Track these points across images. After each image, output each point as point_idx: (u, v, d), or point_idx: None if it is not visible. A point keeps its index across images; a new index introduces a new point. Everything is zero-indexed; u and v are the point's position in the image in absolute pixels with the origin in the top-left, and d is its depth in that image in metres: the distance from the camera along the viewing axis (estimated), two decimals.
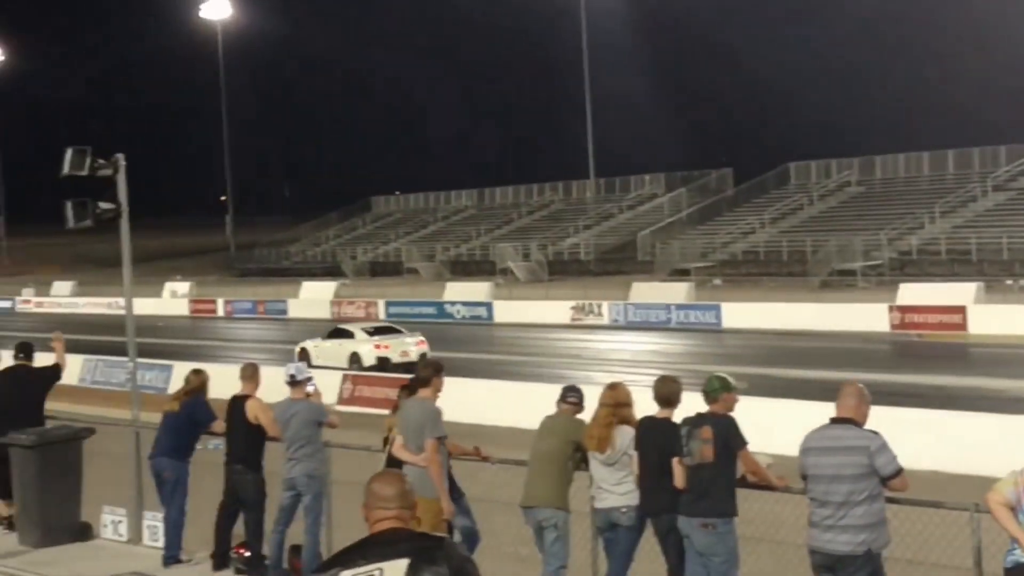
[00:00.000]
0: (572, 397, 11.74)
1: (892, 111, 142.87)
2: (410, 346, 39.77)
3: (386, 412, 13.82)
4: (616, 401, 11.30)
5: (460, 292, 63.67)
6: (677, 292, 56.14)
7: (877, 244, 62.92)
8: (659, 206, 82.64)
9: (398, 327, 43.08)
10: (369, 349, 39.39)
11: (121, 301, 19.48)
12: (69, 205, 15.30)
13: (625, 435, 11.14)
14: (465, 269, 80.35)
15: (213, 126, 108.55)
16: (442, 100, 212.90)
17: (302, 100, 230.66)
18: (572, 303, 55.29)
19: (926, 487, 12.61)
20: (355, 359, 39.03)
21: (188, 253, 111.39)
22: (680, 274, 66.14)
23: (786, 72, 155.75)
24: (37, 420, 15.79)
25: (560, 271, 75.90)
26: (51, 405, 16.47)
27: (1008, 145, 70.00)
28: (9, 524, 15.93)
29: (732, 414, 10.58)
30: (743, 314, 49.61)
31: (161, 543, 14.41)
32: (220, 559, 13.78)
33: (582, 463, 11.50)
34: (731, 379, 10.74)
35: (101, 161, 15.21)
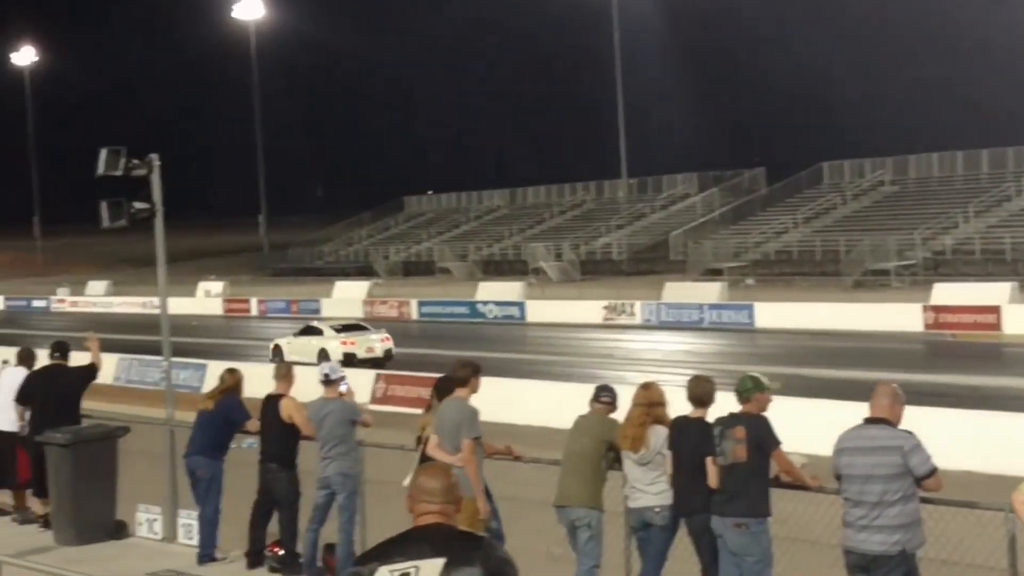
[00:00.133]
0: (605, 397, 11.75)
1: (926, 110, 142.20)
2: (375, 342, 42.11)
3: (419, 411, 13.85)
4: (650, 401, 11.30)
5: (492, 292, 63.63)
6: (710, 292, 56.01)
7: (911, 244, 62.62)
8: (692, 206, 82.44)
9: (365, 325, 45.34)
10: (336, 345, 41.42)
11: (155, 300, 19.60)
12: (104, 205, 15.35)
13: (659, 435, 11.14)
14: (497, 269, 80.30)
15: (247, 126, 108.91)
16: (474, 100, 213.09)
17: (335, 100, 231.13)
18: (605, 303, 55.21)
19: (960, 487, 12.55)
20: (323, 355, 40.22)
21: (222, 253, 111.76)
22: (713, 274, 65.97)
23: (820, 71, 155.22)
24: (73, 419, 15.88)
25: (592, 271, 75.81)
26: (86, 404, 16.57)
27: None
28: (45, 522, 16.04)
29: (765, 414, 10.58)
30: (776, 314, 49.45)
31: (196, 541, 14.48)
32: (254, 557, 13.84)
33: (615, 463, 11.51)
34: (764, 379, 10.73)
35: (136, 161, 15.27)
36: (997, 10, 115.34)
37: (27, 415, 16.01)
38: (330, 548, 13.43)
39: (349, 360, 39.29)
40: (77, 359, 16.83)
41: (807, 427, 17.96)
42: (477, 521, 11.23)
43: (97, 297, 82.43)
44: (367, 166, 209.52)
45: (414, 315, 62.07)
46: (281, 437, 13.60)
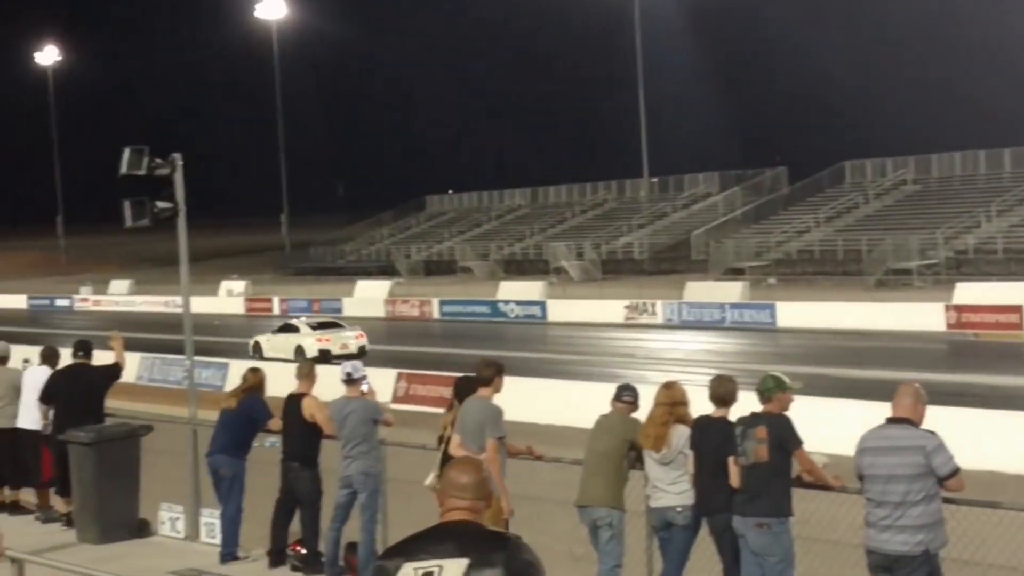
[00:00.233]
0: (627, 396, 11.75)
1: (949, 109, 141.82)
2: (350, 339, 43.83)
3: (441, 410, 13.86)
4: (672, 400, 11.30)
5: (514, 291, 63.67)
6: (731, 291, 55.96)
7: (933, 243, 62.47)
8: (713, 205, 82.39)
9: (340, 322, 47.12)
10: (312, 342, 43.11)
11: (178, 299, 19.65)
12: (127, 204, 15.40)
13: (681, 434, 11.14)
14: (519, 268, 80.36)
15: (269, 126, 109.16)
16: (496, 99, 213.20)
17: (357, 99, 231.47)
18: (626, 302, 55.17)
19: (983, 487, 12.53)
20: (300, 351, 42.07)
21: (243, 252, 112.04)
22: (734, 273, 65.92)
23: (842, 70, 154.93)
24: (96, 418, 15.93)
25: (614, 270, 75.79)
26: (109, 403, 16.62)
27: None
28: (68, 521, 16.10)
29: (787, 414, 10.56)
30: (798, 313, 49.36)
31: (218, 540, 14.51)
32: (276, 556, 13.87)
33: (637, 462, 11.51)
34: (786, 379, 10.71)
35: (158, 160, 15.31)
36: (1020, 10, 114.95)
37: (51, 414, 16.07)
38: (352, 547, 13.45)
39: (324, 356, 40.81)
40: (100, 358, 16.89)
41: (829, 427, 17.97)
42: (501, 520, 11.24)
43: (120, 296, 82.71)
44: (389, 165, 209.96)
45: (435, 314, 62.10)
46: (303, 436, 13.62)
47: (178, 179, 15.41)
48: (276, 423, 14.09)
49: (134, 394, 29.67)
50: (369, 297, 68.49)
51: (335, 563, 13.42)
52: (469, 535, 5.28)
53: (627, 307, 54.57)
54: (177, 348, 28.97)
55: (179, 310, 17.55)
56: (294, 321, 47.58)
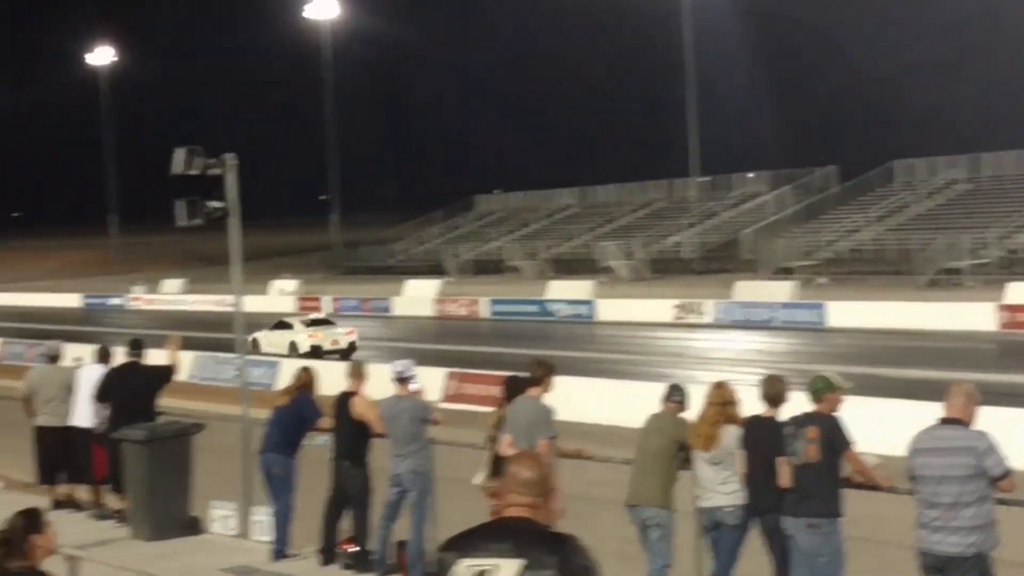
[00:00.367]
0: (676, 396, 11.75)
1: (1001, 107, 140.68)
2: (340, 335, 45.87)
3: (490, 409, 13.90)
4: (723, 400, 11.30)
5: (562, 290, 63.61)
6: (781, 291, 55.70)
7: (984, 242, 62.04)
8: (763, 204, 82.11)
9: (331, 320, 49.16)
10: (304, 338, 45.18)
11: (229, 298, 19.74)
12: (180, 204, 15.51)
13: (731, 434, 11.13)
14: (567, 267, 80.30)
15: (319, 125, 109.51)
16: (546, 98, 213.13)
17: (406, 99, 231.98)
18: (675, 301, 55.03)
19: None
20: (293, 347, 44.58)
21: (294, 251, 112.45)
22: (784, 273, 65.67)
23: (892, 68, 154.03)
24: (149, 416, 16.07)
25: (663, 269, 75.66)
26: (161, 401, 16.74)
27: None
28: (121, 518, 16.24)
29: (837, 414, 10.54)
30: (848, 313, 49.09)
31: (269, 537, 14.60)
32: (327, 554, 13.95)
33: (686, 462, 11.51)
34: (836, 379, 10.69)
35: (211, 160, 15.41)
36: None
37: (105, 412, 16.21)
38: (401, 545, 13.50)
39: (316, 351, 43.24)
40: (154, 357, 17.03)
41: (880, 427, 17.88)
42: (552, 520, 11.25)
43: (172, 295, 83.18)
44: (438, 165, 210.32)
45: (484, 313, 62.14)
46: (353, 435, 13.69)
47: (230, 179, 15.50)
48: (326, 422, 14.15)
49: (186, 392, 29.81)
50: (418, 296, 68.62)
51: (385, 561, 13.49)
52: (527, 534, 5.23)
53: (676, 307, 54.43)
54: (228, 347, 29.10)
55: (230, 309, 17.66)
56: (288, 319, 49.44)
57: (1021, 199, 67.53)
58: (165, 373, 16.43)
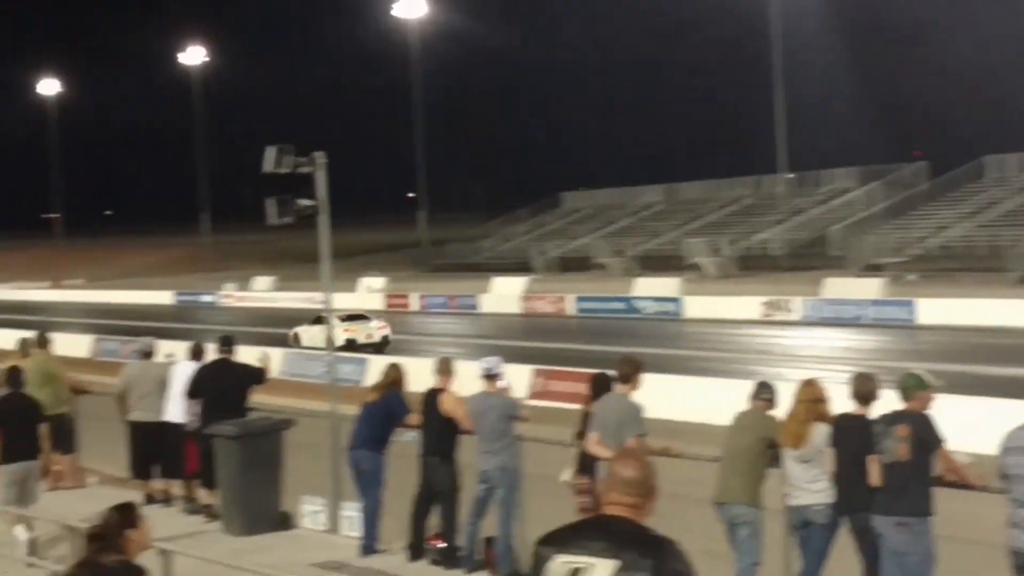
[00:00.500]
0: (765, 393, 11.71)
1: None
2: (373, 330, 49.46)
3: (576, 407, 13.91)
4: (813, 397, 11.24)
5: (649, 287, 63.47)
6: (870, 288, 55.22)
7: None
8: (852, 200, 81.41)
9: (366, 314, 51.64)
10: (340, 332, 46.66)
11: (319, 296, 19.93)
12: (271, 202, 15.65)
13: (820, 432, 11.08)
14: (654, 264, 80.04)
15: (406, 123, 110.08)
16: (631, 95, 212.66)
17: (493, 97, 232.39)
18: (763, 299, 54.74)
19: None
20: (329, 342, 43.63)
21: (382, 249, 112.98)
22: (873, 269, 65.10)
23: (982, 62, 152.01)
24: (239, 412, 16.25)
25: (750, 266, 75.25)
26: (253, 397, 16.91)
27: None
28: (210, 513, 16.44)
29: (928, 412, 10.46)
30: (938, 310, 48.58)
31: (358, 533, 14.70)
32: (415, 550, 14.02)
33: (775, 460, 11.47)
34: (927, 376, 10.61)
35: (301, 158, 15.54)
36: None
37: (196, 408, 16.41)
38: (489, 542, 13.56)
39: (351, 344, 46.34)
40: (244, 354, 17.20)
41: (971, 425, 17.70)
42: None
43: (262, 292, 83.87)
44: (525, 162, 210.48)
45: (571, 310, 62.12)
46: (441, 431, 13.76)
47: (320, 177, 15.63)
48: (415, 418, 14.23)
49: (276, 388, 30.00)
50: (505, 293, 68.72)
51: (473, 557, 13.55)
52: (624, 535, 5.19)
53: (764, 304, 54.14)
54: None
55: (320, 306, 17.83)
56: (325, 314, 49.23)
57: None
58: (257, 376, 16.62)
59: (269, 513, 15.76)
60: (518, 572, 13.17)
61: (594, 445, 12.09)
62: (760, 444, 11.47)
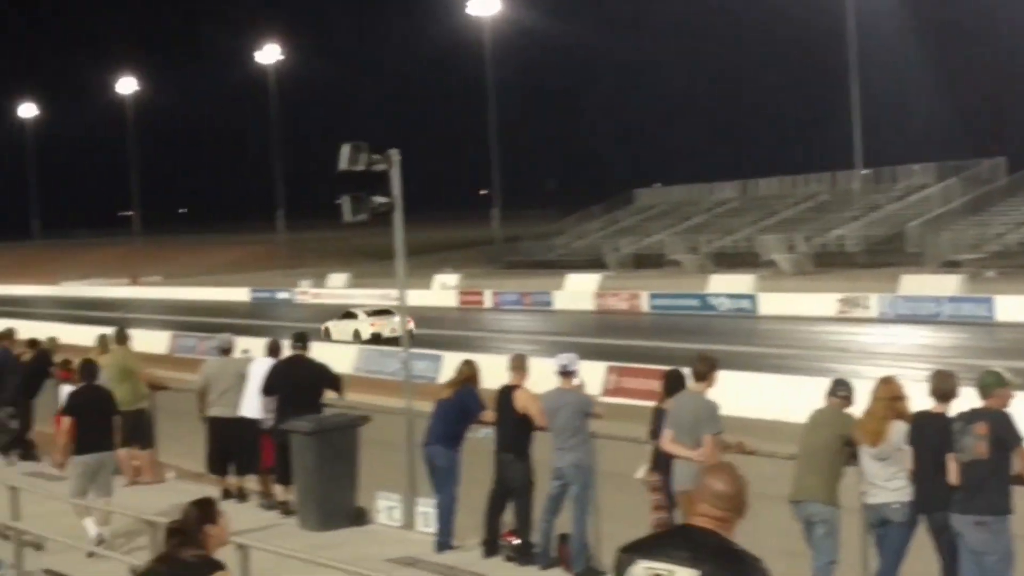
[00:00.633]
0: (842, 391, 11.63)
1: None
2: (398, 324, 48.21)
3: (650, 404, 13.89)
4: (892, 395, 11.16)
5: (724, 284, 63.18)
6: (948, 284, 54.65)
7: None
8: (929, 196, 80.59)
9: (391, 310, 52.17)
10: (367, 327, 50.78)
11: (393, 292, 20.02)
12: (345, 199, 15.73)
13: (899, 430, 11.00)
14: (729, 261, 79.66)
15: (480, 120, 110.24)
16: (706, 91, 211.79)
17: (566, 93, 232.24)
18: (839, 295, 54.35)
19: None
20: (357, 335, 50.24)
21: (456, 246, 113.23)
22: (951, 266, 64.45)
23: None
24: (314, 408, 16.36)
25: (826, 263, 74.70)
26: (328, 393, 17.00)
27: None
28: (285, 508, 16.55)
29: (1007, 410, 10.36)
30: (1017, 307, 47.94)
31: (433, 529, 14.76)
32: (490, 546, 14.06)
33: (852, 458, 11.39)
34: (1006, 374, 10.51)
35: (376, 156, 15.60)
36: None
37: (271, 404, 16.53)
38: (563, 538, 13.56)
39: (376, 338, 48.75)
40: (317, 351, 17.30)
41: None
42: None
43: (338, 289, 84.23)
44: (599, 159, 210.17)
45: (645, 307, 61.96)
46: (516, 428, 13.77)
47: (395, 174, 15.69)
48: (489, 415, 14.26)
49: (351, 384, 30.25)
50: (579, 290, 68.64)
51: (547, 554, 13.56)
52: (708, 547, 5.19)
53: (840, 300, 53.75)
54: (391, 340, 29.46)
55: (396, 303, 17.90)
56: (353, 309, 55.44)
57: None
58: (332, 380, 16.75)
59: (344, 509, 15.86)
60: (592, 569, 13.17)
61: (668, 443, 12.07)
62: (837, 442, 11.40)
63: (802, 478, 11.51)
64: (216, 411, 17.42)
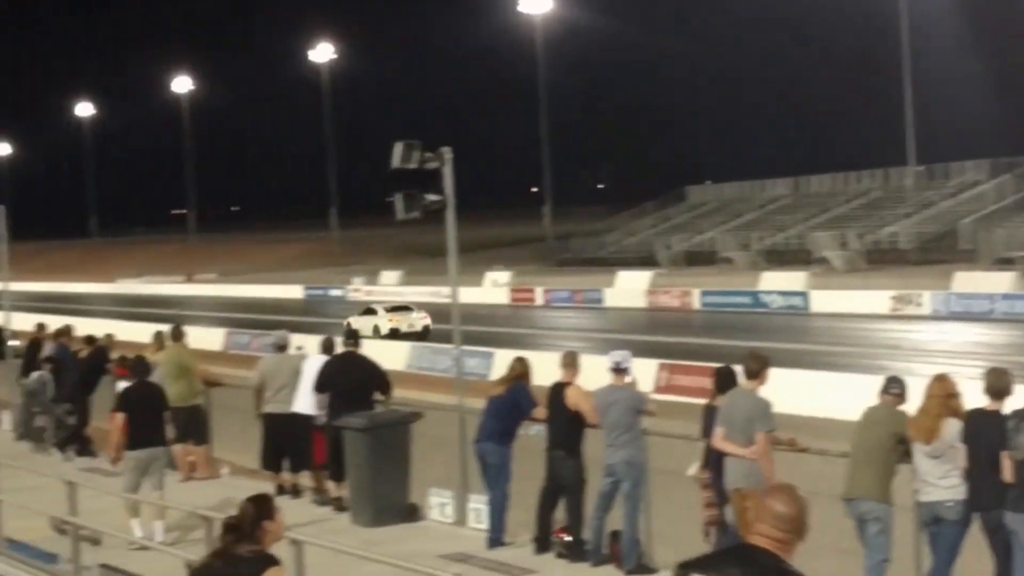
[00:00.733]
0: (895, 388, 11.59)
1: None
2: (415, 320, 53.43)
3: (702, 401, 13.88)
4: (946, 392, 11.12)
5: (776, 281, 62.94)
6: (1001, 281, 54.23)
7: None
8: (982, 193, 79.95)
9: (410, 306, 56.22)
10: (385, 322, 52.81)
11: (445, 290, 20.08)
12: (398, 197, 15.81)
13: (952, 427, 10.95)
14: (780, 258, 79.32)
15: (532, 117, 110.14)
16: (757, 88, 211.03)
17: (618, 91, 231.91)
18: (892, 293, 54.08)
19: None
20: (376, 330, 51.81)
21: (508, 243, 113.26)
22: (1004, 263, 63.92)
23: None
24: (367, 404, 16.45)
25: (878, 260, 74.25)
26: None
27: None
28: (338, 504, 16.65)
29: None
30: None
31: (485, 525, 14.81)
32: (542, 543, 14.09)
33: (905, 455, 11.36)
34: None
35: (428, 154, 15.66)
36: None
37: (325, 402, 16.63)
38: (615, 535, 13.57)
39: (395, 333, 51.05)
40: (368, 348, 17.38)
41: None
42: None
43: (390, 286, 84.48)
44: (650, 156, 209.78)
45: (696, 305, 61.85)
46: (567, 425, 13.79)
47: (447, 172, 15.73)
48: (541, 412, 14.29)
49: (403, 381, 30.33)
50: (630, 288, 68.55)
51: (598, 551, 13.57)
52: (760, 567, 5.17)
53: (893, 298, 53.48)
54: (444, 337, 29.52)
55: (446, 300, 17.96)
56: (373, 305, 58.18)
57: None
58: (383, 383, 16.84)
59: (397, 505, 15.93)
60: (644, 566, 13.18)
61: (720, 440, 12.07)
62: (890, 439, 11.36)
63: (855, 476, 11.48)
64: (271, 407, 17.54)
